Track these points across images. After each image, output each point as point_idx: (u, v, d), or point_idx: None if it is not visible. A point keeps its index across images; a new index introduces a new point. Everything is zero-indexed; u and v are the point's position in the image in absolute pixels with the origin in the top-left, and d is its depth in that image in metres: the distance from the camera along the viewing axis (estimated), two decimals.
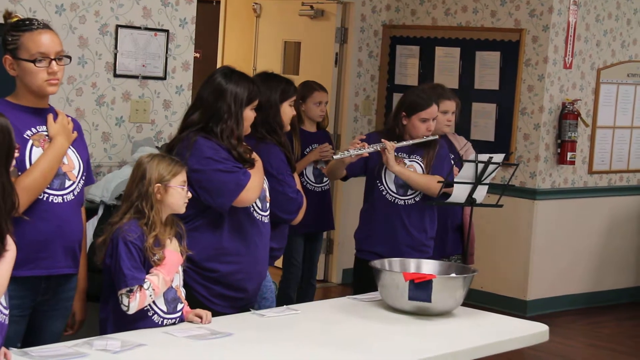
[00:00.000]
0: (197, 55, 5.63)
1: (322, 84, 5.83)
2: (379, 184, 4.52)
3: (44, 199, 3.24)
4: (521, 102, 6.80)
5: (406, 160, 4.51)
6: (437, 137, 4.54)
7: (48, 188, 3.25)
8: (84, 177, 3.39)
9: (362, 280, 4.46)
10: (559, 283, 7.03)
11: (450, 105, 4.88)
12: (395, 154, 4.46)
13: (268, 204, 3.80)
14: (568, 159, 6.79)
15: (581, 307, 7.15)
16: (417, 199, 4.49)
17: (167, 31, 5.20)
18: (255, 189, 3.62)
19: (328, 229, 5.98)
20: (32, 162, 3.22)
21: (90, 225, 4.34)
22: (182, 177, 3.35)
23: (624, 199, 7.37)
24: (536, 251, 6.82)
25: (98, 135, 5.01)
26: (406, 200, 4.49)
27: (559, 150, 6.81)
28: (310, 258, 5.76)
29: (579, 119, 6.79)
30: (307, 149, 5.59)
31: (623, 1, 7.15)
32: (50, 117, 3.32)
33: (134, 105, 5.13)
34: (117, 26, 5.01)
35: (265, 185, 3.80)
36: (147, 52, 5.13)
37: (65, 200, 3.30)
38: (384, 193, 4.50)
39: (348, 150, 4.40)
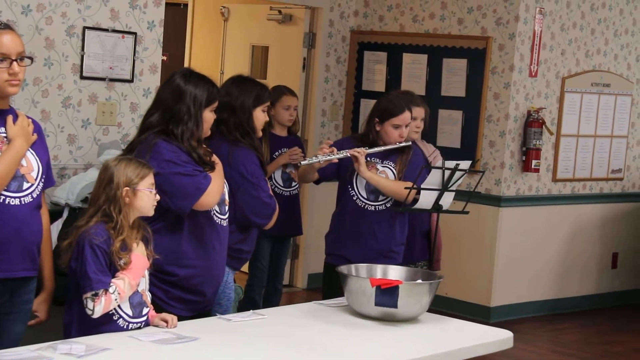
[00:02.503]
0: (164, 58, 5.60)
1: (292, 89, 5.83)
2: (350, 189, 4.53)
3: (1, 201, 3.22)
4: (487, 109, 6.85)
5: (379, 166, 4.52)
6: (409, 143, 4.56)
7: (5, 190, 3.22)
8: (43, 180, 3.37)
9: (330, 283, 4.47)
10: (523, 290, 7.08)
11: (419, 111, 4.91)
12: (368, 159, 4.48)
13: (227, 207, 3.79)
14: (533, 166, 6.85)
15: (544, 313, 7.21)
16: (388, 205, 4.50)
17: (134, 34, 5.17)
18: (215, 193, 3.61)
19: (296, 234, 5.95)
20: None
21: (55, 228, 4.31)
22: (149, 179, 3.34)
23: (587, 207, 7.45)
24: (500, 258, 6.87)
25: (64, 137, 4.97)
26: (377, 207, 4.50)
27: (523, 158, 6.87)
28: (277, 262, 5.74)
29: (543, 127, 6.86)
30: (276, 153, 5.58)
31: (588, 11, 7.24)
32: (9, 118, 3.29)
33: (100, 107, 5.09)
34: (84, 28, 4.97)
35: (225, 189, 3.79)
36: (114, 54, 5.10)
37: (23, 203, 3.27)
38: (354, 198, 4.52)
39: (317, 156, 4.40)
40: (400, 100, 4.56)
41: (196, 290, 3.66)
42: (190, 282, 3.64)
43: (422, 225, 4.95)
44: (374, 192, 4.49)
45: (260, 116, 4.11)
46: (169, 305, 3.59)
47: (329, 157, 4.39)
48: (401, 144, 4.51)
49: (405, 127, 4.51)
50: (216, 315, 3.70)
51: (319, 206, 7.18)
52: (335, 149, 4.43)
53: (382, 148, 4.50)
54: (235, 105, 4.02)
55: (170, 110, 3.60)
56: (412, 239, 4.82)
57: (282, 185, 5.57)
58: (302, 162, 4.44)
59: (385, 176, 4.50)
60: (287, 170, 5.58)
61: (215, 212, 3.71)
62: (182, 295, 3.63)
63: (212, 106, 3.68)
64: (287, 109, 5.65)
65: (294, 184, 5.59)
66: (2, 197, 3.22)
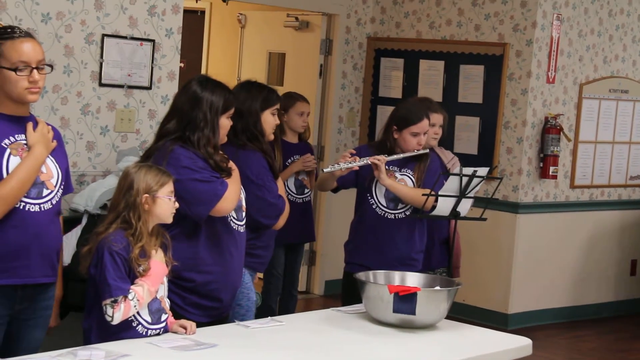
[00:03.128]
0: (182, 65, 5.63)
1: (304, 95, 5.85)
2: (369, 197, 4.53)
3: (21, 207, 3.23)
4: (504, 116, 6.84)
5: (397, 174, 4.52)
6: (427, 151, 4.56)
7: (25, 197, 3.24)
8: (62, 187, 3.38)
9: (350, 292, 4.48)
10: (541, 296, 7.06)
11: (437, 118, 4.91)
12: (387, 167, 4.48)
13: (244, 214, 3.81)
14: (550, 173, 6.83)
15: (562, 320, 7.19)
16: (408, 213, 4.50)
17: (153, 41, 5.20)
18: (232, 199, 3.63)
19: (309, 241, 5.98)
20: (9, 171, 3.21)
21: (74, 235, 4.33)
22: (169, 187, 3.35)
23: (605, 214, 7.42)
24: (518, 264, 6.85)
25: (82, 144, 4.99)
26: (396, 215, 4.50)
27: (541, 165, 6.85)
28: (292, 269, 5.76)
29: (561, 133, 6.84)
30: (289, 160, 5.60)
31: (605, 17, 7.22)
32: (29, 125, 3.31)
33: (119, 114, 5.12)
34: (103, 35, 5.00)
35: (242, 195, 3.80)
36: (132, 61, 5.13)
37: (43, 209, 3.29)
38: (373, 206, 4.51)
39: (338, 164, 4.41)
40: (419, 108, 4.56)
41: (213, 296, 3.68)
42: (207, 287, 3.65)
43: (441, 232, 4.94)
44: (394, 200, 4.49)
45: (269, 119, 4.11)
46: (186, 311, 3.60)
47: (350, 165, 4.39)
48: (419, 152, 4.51)
49: (423, 134, 4.51)
50: (234, 321, 3.70)
51: (336, 213, 7.18)
52: (357, 157, 4.43)
53: (402, 155, 4.49)
54: (243, 110, 4.02)
55: (187, 117, 3.62)
56: (431, 246, 4.81)
57: (294, 192, 5.59)
58: (325, 170, 4.45)
59: (404, 184, 4.50)
60: (299, 177, 5.59)
61: (232, 218, 3.72)
62: (199, 301, 3.64)
63: (228, 113, 3.70)
64: (300, 115, 5.68)
65: (306, 190, 5.61)
66: (22, 204, 3.24)
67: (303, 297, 6.91)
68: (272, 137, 4.20)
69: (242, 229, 3.78)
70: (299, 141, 5.74)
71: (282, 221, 4.10)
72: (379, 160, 4.40)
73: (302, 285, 7.00)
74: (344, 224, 4.81)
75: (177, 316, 3.45)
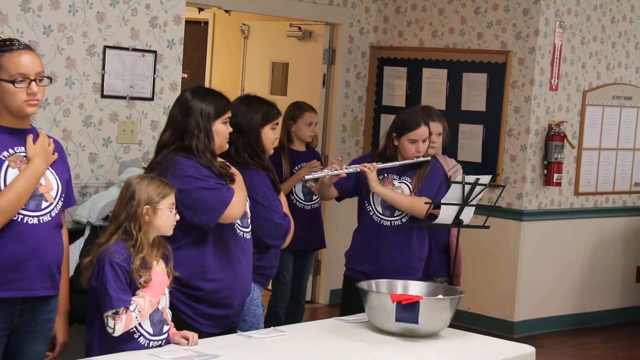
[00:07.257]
0: (185, 75, 5.64)
1: (312, 105, 5.88)
2: (367, 205, 4.54)
3: (19, 220, 3.23)
4: (508, 123, 6.84)
5: (395, 182, 4.52)
6: (428, 158, 4.56)
7: (23, 209, 3.23)
8: (62, 199, 3.37)
9: (348, 297, 4.49)
10: (546, 304, 7.04)
11: (435, 127, 4.90)
12: (385, 175, 4.48)
13: (249, 220, 3.82)
14: (554, 180, 6.82)
15: (568, 328, 7.17)
16: (404, 220, 4.50)
17: (155, 52, 5.21)
18: (239, 205, 3.64)
19: (319, 247, 5.98)
20: (7, 183, 3.20)
21: (77, 246, 4.33)
22: (170, 199, 3.36)
23: (609, 220, 7.41)
24: (523, 272, 6.84)
25: (85, 155, 5.00)
26: (392, 222, 4.50)
27: (545, 172, 6.85)
28: (300, 276, 5.77)
29: (565, 140, 6.83)
30: (296, 168, 5.64)
31: (608, 24, 7.22)
32: (29, 138, 3.31)
33: (121, 126, 5.13)
34: (105, 47, 5.01)
35: (247, 201, 3.80)
36: (134, 73, 5.14)
37: (41, 222, 3.28)
38: (371, 214, 4.52)
39: (323, 170, 4.43)
40: (417, 115, 4.57)
41: (223, 303, 3.68)
42: (216, 295, 3.65)
43: (440, 240, 4.93)
44: (390, 207, 4.49)
45: (269, 134, 4.11)
46: (196, 322, 3.61)
47: (336, 172, 4.39)
48: (418, 159, 4.51)
49: (422, 142, 4.51)
50: (237, 331, 3.70)
51: (340, 222, 7.17)
52: (344, 164, 4.44)
53: (397, 163, 4.50)
54: (243, 125, 4.02)
55: (181, 126, 3.64)
56: (429, 254, 4.81)
57: (302, 199, 5.61)
58: (306, 177, 4.47)
59: (400, 192, 4.50)
60: (307, 184, 5.61)
61: (237, 225, 3.73)
62: (209, 310, 3.64)
63: (223, 118, 3.70)
64: (309, 125, 5.72)
65: (314, 197, 5.63)
66: (21, 216, 3.24)
67: (308, 307, 6.90)
68: (272, 151, 4.21)
69: (247, 236, 3.80)
70: (307, 149, 5.78)
71: (288, 240, 4.10)
72: (368, 167, 4.40)
73: (307, 294, 6.98)
74: (349, 233, 4.81)
75: (187, 327, 3.45)
